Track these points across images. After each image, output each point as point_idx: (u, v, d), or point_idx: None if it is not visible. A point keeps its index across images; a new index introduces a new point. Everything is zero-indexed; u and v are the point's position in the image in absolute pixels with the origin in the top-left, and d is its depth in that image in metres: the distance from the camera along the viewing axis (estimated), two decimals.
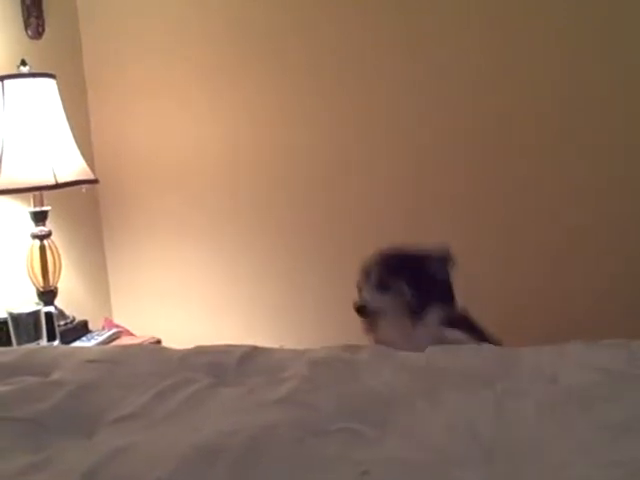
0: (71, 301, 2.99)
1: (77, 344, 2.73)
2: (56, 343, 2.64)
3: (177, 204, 3.22)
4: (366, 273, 2.21)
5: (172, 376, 1.72)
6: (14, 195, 2.77)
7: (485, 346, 1.83)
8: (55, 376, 1.77)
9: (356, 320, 2.96)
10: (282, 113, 3.04)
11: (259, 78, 3.04)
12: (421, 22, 2.83)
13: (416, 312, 2.13)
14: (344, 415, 1.48)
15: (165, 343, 2.94)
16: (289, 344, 2.19)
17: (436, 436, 1.38)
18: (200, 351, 1.89)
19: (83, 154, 2.86)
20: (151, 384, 1.69)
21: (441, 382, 1.62)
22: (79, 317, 2.91)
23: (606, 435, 1.32)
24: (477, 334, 2.12)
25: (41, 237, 2.80)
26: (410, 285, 2.15)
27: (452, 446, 1.34)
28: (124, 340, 2.89)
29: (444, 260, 2.18)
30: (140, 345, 2.29)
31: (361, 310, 2.19)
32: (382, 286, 2.17)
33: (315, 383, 1.62)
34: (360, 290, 2.23)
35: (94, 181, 2.89)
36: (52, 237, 2.84)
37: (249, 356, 1.84)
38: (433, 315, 2.13)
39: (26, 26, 2.99)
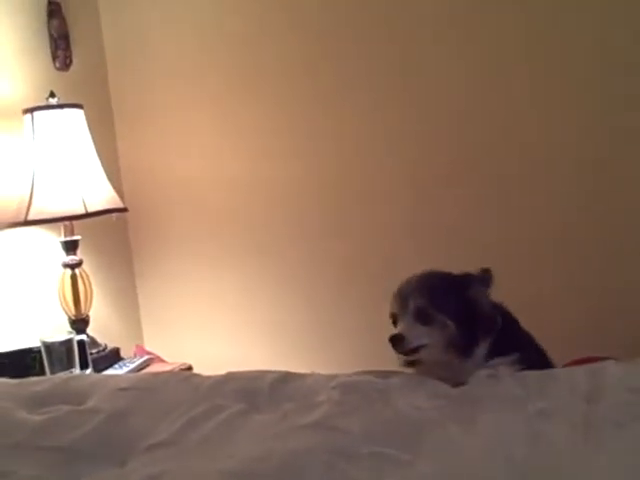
0: (103, 329, 3.02)
1: (109, 372, 2.76)
2: (89, 371, 2.67)
3: (206, 231, 3.24)
4: (402, 301, 1.92)
5: (203, 403, 1.73)
6: (45, 225, 2.82)
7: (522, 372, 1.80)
8: (88, 404, 1.78)
9: (388, 346, 2.96)
10: (294, 138, 3.05)
11: (290, 110, 3.06)
12: (415, 53, 2.86)
13: (462, 346, 1.86)
14: (375, 439, 1.47)
15: (196, 369, 2.95)
16: (319, 369, 2.18)
17: (469, 460, 1.37)
18: (231, 377, 1.89)
19: (112, 183, 2.90)
20: (183, 411, 1.69)
21: (474, 406, 1.60)
22: (111, 345, 2.93)
23: None
24: (528, 353, 1.95)
25: (72, 266, 2.84)
26: (453, 315, 1.87)
27: (485, 470, 1.32)
28: (156, 367, 2.91)
29: (486, 284, 1.92)
30: (171, 372, 2.30)
31: (398, 343, 1.87)
32: (422, 316, 1.87)
33: (346, 408, 1.62)
34: (395, 320, 1.95)
35: (123, 209, 2.92)
36: (83, 266, 2.87)
37: (281, 382, 1.84)
38: (480, 348, 1.88)
39: (54, 58, 3.05)
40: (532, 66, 2.73)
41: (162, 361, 3.02)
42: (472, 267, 1.98)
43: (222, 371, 1.93)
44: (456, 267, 1.92)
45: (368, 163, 2.99)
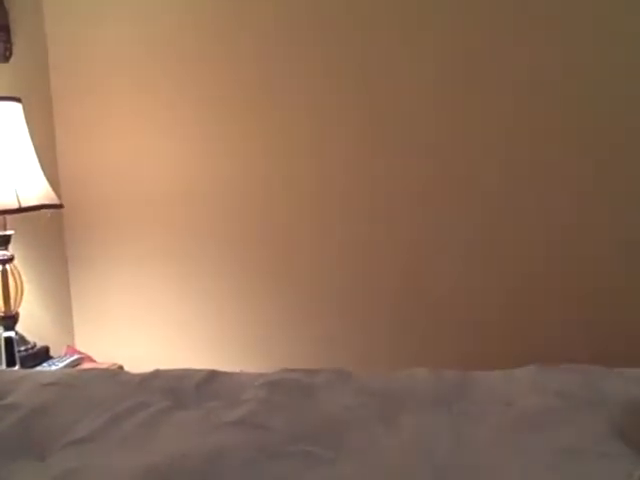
0: (33, 327, 2.96)
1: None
2: (16, 369, 2.61)
3: (140, 230, 3.20)
4: None
5: (128, 400, 1.71)
6: None
7: (442, 371, 1.83)
8: (9, 399, 1.75)
9: (319, 346, 2.99)
10: (248, 143, 3.05)
11: (228, 112, 3.06)
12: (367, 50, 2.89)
13: None
14: (299, 437, 1.48)
15: (127, 370, 2.92)
16: (249, 367, 2.18)
17: (389, 458, 1.39)
18: (158, 375, 1.88)
19: (49, 179, 2.84)
20: (107, 408, 1.67)
21: (397, 405, 1.62)
22: (41, 343, 2.87)
23: (557, 459, 1.34)
24: None
25: (3, 261, 2.77)
26: None
27: (405, 469, 1.34)
28: (86, 366, 2.86)
29: None
30: (97, 369, 2.26)
31: None
32: None
33: (272, 405, 1.62)
34: None
35: (59, 206, 2.87)
36: (15, 262, 2.81)
37: (207, 380, 1.84)
38: None
39: None
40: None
41: (92, 361, 2.97)
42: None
43: None
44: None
45: (294, 165, 3.01)
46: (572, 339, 2.72)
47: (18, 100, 2.78)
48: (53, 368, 2.73)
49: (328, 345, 3.00)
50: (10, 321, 2.75)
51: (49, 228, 3.13)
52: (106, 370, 2.15)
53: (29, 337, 2.85)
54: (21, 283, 2.81)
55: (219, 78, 3.07)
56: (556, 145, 2.75)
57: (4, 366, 2.50)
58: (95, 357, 3.04)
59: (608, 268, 2.75)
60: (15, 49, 3.07)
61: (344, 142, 2.95)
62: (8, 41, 3.04)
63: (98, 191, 3.25)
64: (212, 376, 1.85)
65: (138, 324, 3.26)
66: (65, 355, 2.95)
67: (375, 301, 2.98)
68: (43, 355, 2.84)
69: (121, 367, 2.87)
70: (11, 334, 2.67)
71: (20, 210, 2.65)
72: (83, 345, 3.24)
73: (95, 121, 3.23)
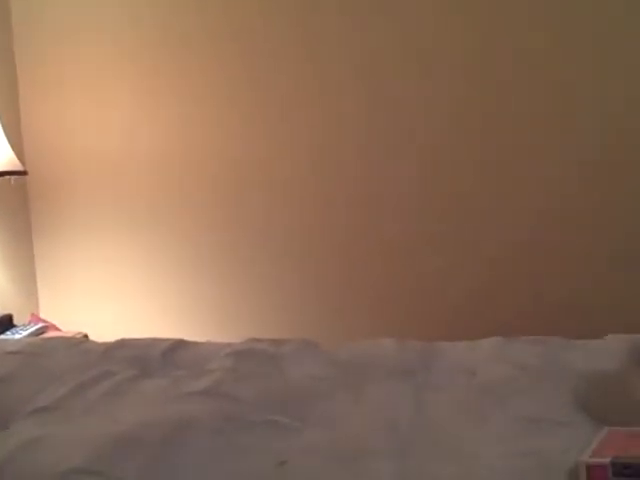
0: None
1: (0, 338, 2.67)
2: None
3: (106, 199, 3.16)
4: None
5: (94, 369, 1.71)
6: None
7: (407, 342, 1.85)
8: None
9: (288, 319, 3.00)
10: (214, 114, 3.01)
11: (192, 79, 3.01)
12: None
13: None
14: (266, 407, 1.49)
15: (92, 339, 2.90)
16: (222, 339, 2.18)
17: (355, 427, 1.41)
18: (123, 344, 1.87)
19: (12, 146, 2.79)
20: (72, 376, 1.67)
21: (363, 375, 1.64)
22: (4, 311, 2.84)
23: (518, 428, 1.37)
24: None
25: None
26: None
27: (370, 437, 1.36)
28: (50, 335, 2.83)
29: None
30: (62, 338, 2.24)
31: None
32: None
33: (238, 375, 1.63)
34: None
35: (23, 172, 2.82)
36: None
37: (174, 349, 1.84)
38: None
39: None
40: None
41: (57, 329, 2.94)
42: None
43: None
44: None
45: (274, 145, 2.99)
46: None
47: None
48: (16, 337, 2.71)
49: (299, 314, 3.01)
50: None
51: (13, 195, 3.07)
52: (70, 339, 2.14)
53: None
54: None
55: (192, 52, 3.01)
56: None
57: None
58: (60, 326, 3.01)
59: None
60: None
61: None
62: None
63: (63, 159, 3.20)
64: (178, 345, 1.85)
65: (103, 292, 3.23)
66: (29, 323, 2.92)
67: (353, 275, 2.98)
68: (6, 323, 2.81)
69: (86, 336, 2.85)
70: None
71: None
72: (47, 313, 3.20)
73: (60, 88, 3.16)
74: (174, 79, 3.06)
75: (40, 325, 2.87)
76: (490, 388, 1.53)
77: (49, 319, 3.06)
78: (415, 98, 2.84)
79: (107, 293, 3.22)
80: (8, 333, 2.74)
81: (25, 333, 2.74)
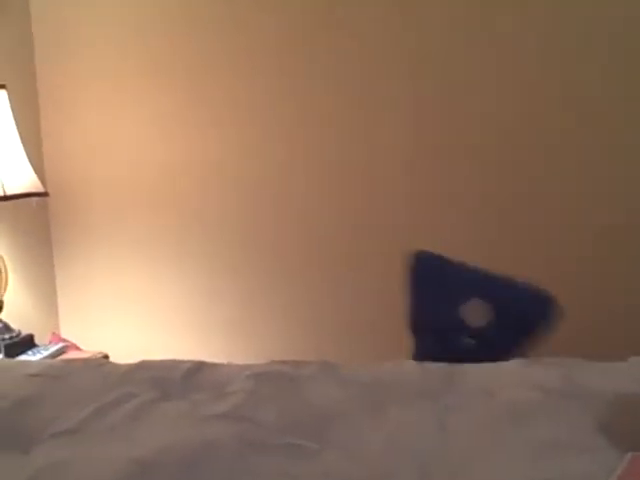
0: (18, 315, 2.94)
1: (22, 358, 2.69)
2: (0, 357, 2.60)
3: (125, 218, 3.18)
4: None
5: (114, 391, 1.71)
6: None
7: (428, 364, 1.85)
8: None
9: (307, 338, 2.99)
10: (233, 132, 3.02)
11: (210, 96, 3.04)
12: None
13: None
14: (285, 430, 1.49)
15: (113, 358, 2.91)
16: (241, 360, 2.18)
17: (374, 451, 1.40)
18: (144, 366, 1.87)
19: (34, 167, 2.82)
20: (92, 399, 1.67)
21: (384, 397, 1.63)
22: (26, 331, 2.86)
23: (539, 452, 1.35)
24: None
25: None
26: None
27: (389, 461, 1.35)
28: (71, 355, 2.85)
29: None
30: (83, 360, 2.25)
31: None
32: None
33: (258, 398, 1.63)
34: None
35: (44, 194, 2.85)
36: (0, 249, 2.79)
37: (195, 371, 1.84)
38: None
39: None
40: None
41: (78, 349, 2.96)
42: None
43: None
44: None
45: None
46: None
47: (3, 87, 2.75)
48: (38, 356, 2.72)
49: (319, 333, 3.01)
50: None
51: (34, 216, 3.11)
52: (91, 360, 2.15)
53: (14, 325, 2.83)
54: (6, 271, 2.80)
55: (206, 63, 3.04)
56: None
57: None
58: (80, 345, 3.03)
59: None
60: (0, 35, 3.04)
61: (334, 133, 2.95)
62: None
63: (84, 180, 3.23)
64: (199, 367, 1.85)
65: (124, 312, 3.24)
66: (50, 343, 2.94)
67: (364, 291, 2.98)
68: (28, 343, 2.83)
69: (107, 356, 2.86)
70: None
71: (5, 198, 2.64)
72: (68, 333, 3.22)
73: (81, 109, 3.20)
74: (192, 96, 3.09)
75: (61, 345, 2.88)
76: (511, 411, 1.52)
77: (70, 338, 3.08)
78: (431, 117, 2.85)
79: (127, 312, 3.24)
80: (29, 352, 2.76)
81: (46, 353, 2.76)
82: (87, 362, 2.01)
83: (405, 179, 2.90)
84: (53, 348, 2.83)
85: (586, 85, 2.70)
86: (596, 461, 1.27)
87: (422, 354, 2.27)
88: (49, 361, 2.47)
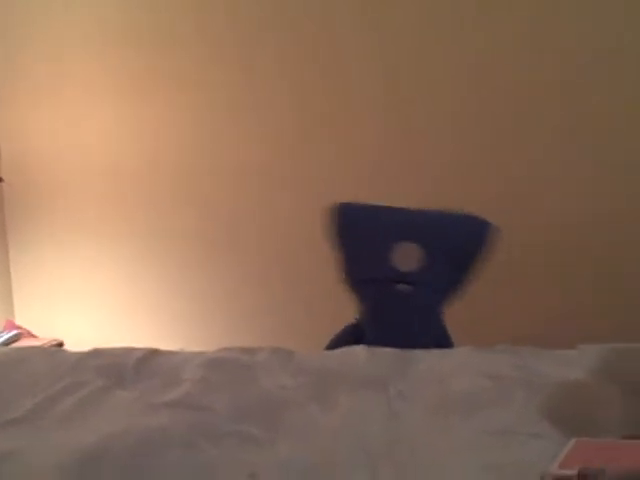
0: None
1: None
2: None
3: (81, 205, 3.14)
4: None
5: (65, 379, 1.69)
6: None
7: (379, 350, 1.85)
8: None
9: (260, 325, 2.98)
10: (207, 124, 2.98)
11: (169, 88, 2.99)
12: None
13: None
14: (237, 418, 1.49)
15: (68, 346, 2.89)
16: (194, 347, 2.17)
17: (325, 439, 1.40)
18: (96, 354, 1.86)
19: None
20: (43, 387, 1.66)
21: (335, 384, 1.64)
22: None
23: (488, 439, 1.37)
24: None
25: None
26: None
27: (340, 449, 1.36)
28: (25, 342, 2.82)
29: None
30: (35, 347, 2.22)
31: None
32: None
33: (210, 385, 1.62)
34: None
35: None
36: None
37: (147, 358, 1.83)
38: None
39: None
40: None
41: (32, 336, 2.93)
42: None
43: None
44: None
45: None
46: None
47: None
48: None
49: (270, 317, 3.01)
50: None
51: None
52: (43, 348, 2.13)
53: None
54: None
55: (165, 51, 3.00)
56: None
57: None
58: (35, 332, 3.00)
59: None
60: None
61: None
62: None
63: (38, 166, 3.18)
64: (151, 355, 1.84)
65: (80, 298, 3.21)
66: (4, 330, 2.91)
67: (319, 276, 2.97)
68: None
69: (61, 343, 2.84)
70: None
71: None
72: (23, 320, 3.18)
73: (35, 95, 3.14)
74: (157, 83, 3.04)
75: (15, 332, 2.85)
76: (461, 399, 1.54)
77: (25, 325, 3.04)
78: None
79: (83, 299, 3.21)
80: None
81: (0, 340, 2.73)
82: (38, 350, 1.98)
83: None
84: (6, 335, 2.80)
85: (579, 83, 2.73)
86: (543, 447, 1.29)
87: (365, 310, 2.24)
88: (1, 349, 2.44)
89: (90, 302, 3.20)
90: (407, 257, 2.10)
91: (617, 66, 2.67)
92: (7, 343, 2.75)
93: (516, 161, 2.78)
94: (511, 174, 2.78)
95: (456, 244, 2.20)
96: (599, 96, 2.68)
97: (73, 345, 2.71)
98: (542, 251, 2.78)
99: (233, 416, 1.49)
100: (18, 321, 3.17)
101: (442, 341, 2.12)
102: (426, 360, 1.76)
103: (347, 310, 2.38)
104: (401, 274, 2.13)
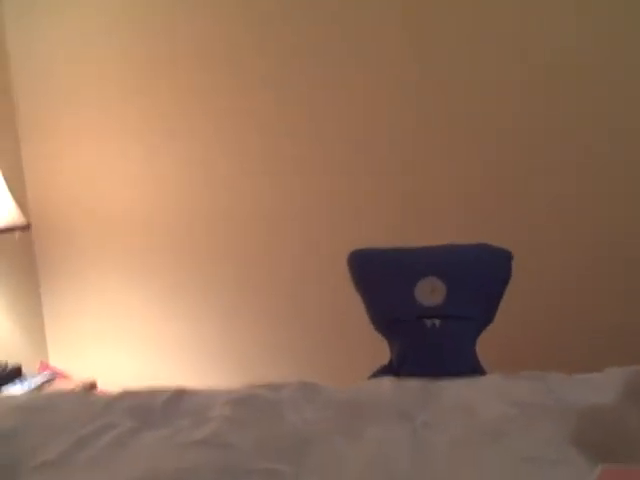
0: (5, 347, 2.96)
1: (10, 389, 2.70)
2: None
3: (111, 248, 3.19)
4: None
5: (95, 421, 1.72)
6: None
7: (405, 380, 1.86)
8: None
9: (289, 360, 2.99)
10: (222, 171, 3.02)
11: (193, 133, 3.05)
12: None
13: None
14: (264, 454, 1.49)
15: (102, 385, 2.92)
16: (223, 381, 2.18)
17: (351, 472, 1.41)
18: (126, 395, 1.88)
19: (16, 197, 2.83)
20: (73, 430, 1.68)
21: (361, 418, 1.64)
22: (13, 362, 2.86)
23: (515, 467, 1.36)
24: None
25: None
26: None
27: None
28: (59, 384, 2.86)
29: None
30: (66, 391, 2.26)
31: None
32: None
33: (237, 423, 1.63)
34: None
35: (26, 227, 2.86)
36: None
37: (175, 398, 1.84)
38: None
39: None
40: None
41: (66, 377, 2.97)
42: None
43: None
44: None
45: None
46: None
47: None
48: (26, 386, 2.74)
49: (301, 355, 3.02)
50: None
51: (18, 248, 3.12)
52: (74, 392, 2.16)
53: (1, 357, 2.84)
54: None
55: (196, 106, 3.05)
56: None
57: None
58: (69, 373, 3.04)
59: None
60: None
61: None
62: None
63: (68, 210, 3.24)
64: (179, 394, 1.85)
65: (113, 338, 3.25)
66: (38, 372, 2.95)
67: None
68: (15, 374, 2.84)
69: (95, 383, 2.87)
70: None
71: None
72: (57, 361, 3.23)
73: (63, 140, 3.20)
74: (176, 131, 3.09)
75: (48, 375, 2.89)
76: (488, 427, 1.53)
77: (59, 366, 3.09)
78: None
79: (116, 339, 3.25)
80: (17, 383, 2.77)
81: (33, 384, 2.76)
82: (69, 393, 2.01)
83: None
84: (41, 378, 2.84)
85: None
86: (568, 474, 1.28)
87: (397, 349, 2.26)
88: (33, 393, 2.48)
89: (123, 341, 3.24)
90: (430, 291, 2.14)
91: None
92: (41, 386, 2.79)
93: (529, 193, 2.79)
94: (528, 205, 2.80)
95: (476, 273, 2.23)
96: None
97: (107, 385, 2.75)
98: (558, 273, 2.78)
99: (260, 453, 1.50)
100: (52, 362, 3.22)
101: (476, 372, 2.12)
102: (451, 389, 1.76)
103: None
104: (427, 309, 2.17)
